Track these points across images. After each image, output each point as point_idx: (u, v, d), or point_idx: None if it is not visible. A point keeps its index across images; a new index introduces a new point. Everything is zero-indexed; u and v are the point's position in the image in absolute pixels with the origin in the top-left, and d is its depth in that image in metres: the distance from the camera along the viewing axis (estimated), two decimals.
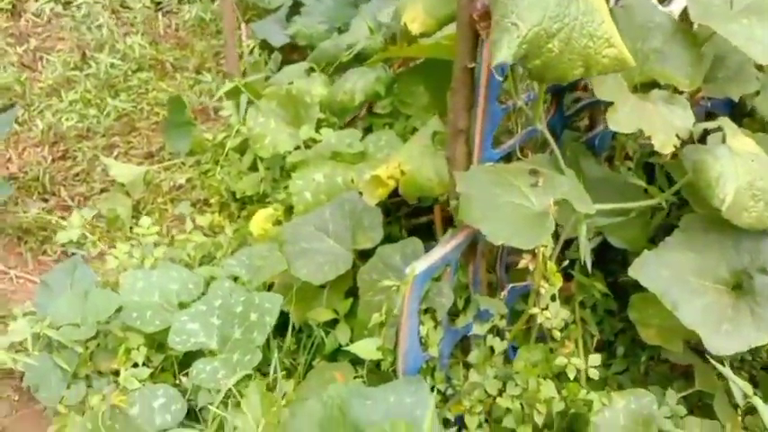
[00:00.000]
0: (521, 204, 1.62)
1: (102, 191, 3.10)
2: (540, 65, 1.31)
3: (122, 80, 3.62)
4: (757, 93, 2.09)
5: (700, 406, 1.98)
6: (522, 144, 1.85)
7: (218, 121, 3.44)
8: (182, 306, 2.11)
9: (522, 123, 1.80)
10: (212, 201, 2.97)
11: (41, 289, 2.16)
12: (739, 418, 1.85)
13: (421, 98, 2.24)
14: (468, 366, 2.04)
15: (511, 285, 1.89)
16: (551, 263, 1.79)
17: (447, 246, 1.78)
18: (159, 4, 4.14)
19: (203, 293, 2.14)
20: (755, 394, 1.68)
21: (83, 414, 1.92)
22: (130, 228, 2.86)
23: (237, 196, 2.86)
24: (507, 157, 1.85)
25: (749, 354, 2.09)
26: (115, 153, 3.29)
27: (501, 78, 1.46)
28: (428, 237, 2.26)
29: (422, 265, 1.70)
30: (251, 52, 3.41)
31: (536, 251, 1.75)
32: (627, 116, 1.72)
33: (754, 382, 2.03)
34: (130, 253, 2.38)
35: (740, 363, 2.09)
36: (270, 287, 2.25)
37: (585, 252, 1.82)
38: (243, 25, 3.68)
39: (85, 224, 2.69)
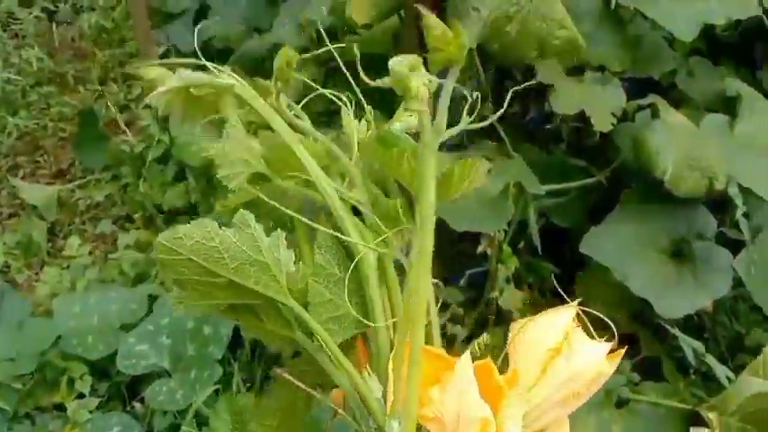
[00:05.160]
0: (478, 190, 1.63)
1: (12, 216, 2.87)
2: (499, 48, 1.33)
3: (21, 96, 3.37)
4: (674, 71, 2.23)
5: (648, 372, 2.08)
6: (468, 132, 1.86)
7: (129, 133, 3.27)
8: (125, 328, 1.99)
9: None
10: (136, 216, 2.81)
11: None
12: (690, 378, 1.95)
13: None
14: None
15: (469, 271, 1.91)
16: (506, 245, 1.82)
17: None
18: (53, 14, 3.88)
19: (147, 313, 2.02)
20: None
21: None
22: (47, 252, 2.66)
23: (164, 209, 2.72)
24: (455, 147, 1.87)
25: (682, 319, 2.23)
26: (21, 174, 3.06)
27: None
28: None
29: None
30: (163, 58, 3.26)
31: (491, 235, 1.79)
32: (568, 98, 1.78)
33: None
34: (60, 278, 2.21)
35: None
36: None
37: (535, 233, 1.87)
38: (149, 31, 3.52)
39: (6, 251, 2.48)
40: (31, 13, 3.78)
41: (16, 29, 3.73)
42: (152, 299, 2.15)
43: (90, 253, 2.58)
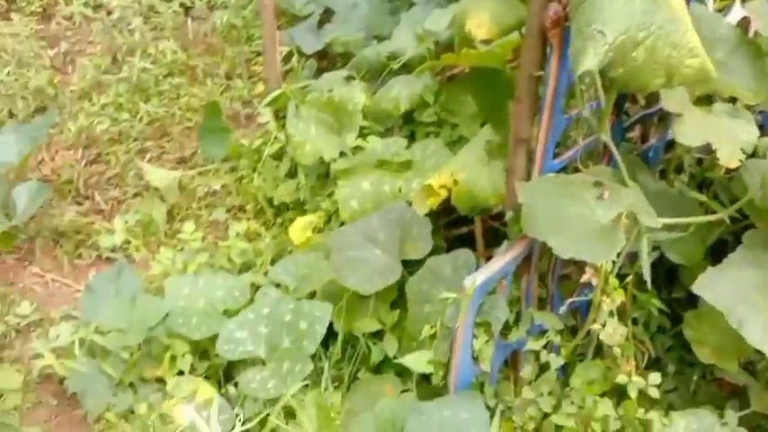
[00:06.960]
0: (588, 217, 1.59)
1: (136, 195, 3.08)
2: (623, 74, 1.28)
3: (154, 85, 3.60)
4: None
5: (755, 428, 1.93)
6: (581, 155, 1.81)
7: (248, 127, 3.42)
8: (227, 313, 2.08)
9: (583, 134, 1.76)
10: (248, 207, 2.94)
11: (86, 294, 2.13)
12: None
13: (468, 107, 2.21)
14: (517, 382, 1.99)
15: (570, 300, 1.85)
16: (613, 278, 1.75)
17: (505, 257, 1.75)
18: (189, 9, 4.13)
19: (249, 301, 2.11)
20: None
21: (127, 421, 1.89)
22: (165, 233, 2.84)
23: (274, 203, 2.83)
24: (564, 169, 1.82)
25: None
26: (148, 157, 3.27)
27: (582, 87, 1.42)
28: (468, 248, 2.22)
29: (481, 276, 1.67)
30: (286, 59, 3.38)
31: (599, 265, 1.72)
32: (694, 129, 1.68)
33: None
34: (173, 259, 2.34)
35: None
36: (312, 296, 2.22)
37: (646, 267, 1.78)
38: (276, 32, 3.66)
39: (127, 229, 2.66)
40: (170, 8, 4.04)
41: (155, 22, 3.99)
42: (255, 288, 2.24)
43: (203, 239, 2.72)
